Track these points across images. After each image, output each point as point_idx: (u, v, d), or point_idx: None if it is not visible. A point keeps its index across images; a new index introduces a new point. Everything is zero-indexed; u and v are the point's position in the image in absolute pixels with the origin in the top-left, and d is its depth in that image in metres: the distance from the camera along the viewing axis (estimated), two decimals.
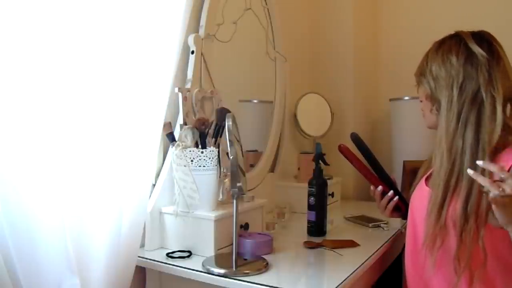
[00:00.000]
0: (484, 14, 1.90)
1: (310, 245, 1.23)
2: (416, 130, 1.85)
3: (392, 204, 1.24)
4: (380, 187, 1.26)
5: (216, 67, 1.38)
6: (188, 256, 1.12)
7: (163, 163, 1.23)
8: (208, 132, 1.21)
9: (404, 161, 1.84)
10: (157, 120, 1.03)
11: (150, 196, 1.14)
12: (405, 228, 1.19)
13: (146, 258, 1.11)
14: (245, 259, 1.09)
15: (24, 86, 0.78)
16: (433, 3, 2.08)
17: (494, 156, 0.94)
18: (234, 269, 1.02)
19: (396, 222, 1.44)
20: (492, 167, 0.78)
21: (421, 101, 1.14)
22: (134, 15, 0.93)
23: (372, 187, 1.27)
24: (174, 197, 1.15)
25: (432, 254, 0.97)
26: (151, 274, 1.15)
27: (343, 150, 1.31)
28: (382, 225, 1.44)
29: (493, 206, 0.80)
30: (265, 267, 1.04)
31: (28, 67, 0.78)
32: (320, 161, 1.40)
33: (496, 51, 1.00)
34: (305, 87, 2.04)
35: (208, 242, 1.12)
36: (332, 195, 1.74)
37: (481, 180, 0.78)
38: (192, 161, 1.14)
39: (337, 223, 1.52)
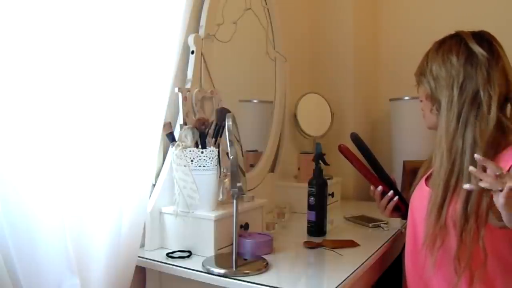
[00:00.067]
0: (484, 14, 1.90)
1: (310, 245, 1.23)
2: (416, 130, 1.85)
3: (392, 204, 1.24)
4: (380, 187, 1.26)
5: (216, 67, 1.38)
6: (188, 256, 1.12)
7: (163, 163, 1.22)
8: (208, 132, 1.21)
9: (404, 161, 1.84)
10: (157, 120, 1.03)
11: (150, 196, 1.14)
12: (405, 228, 1.19)
13: (146, 258, 1.11)
14: (245, 259, 1.09)
15: (24, 87, 0.78)
16: (433, 3, 2.08)
17: (494, 156, 0.94)
18: (234, 269, 1.02)
19: (396, 222, 1.44)
20: (489, 164, 0.77)
21: (421, 101, 1.14)
22: (134, 15, 0.93)
23: (372, 187, 1.27)
24: (174, 197, 1.15)
25: (432, 254, 0.97)
26: (151, 274, 1.15)
27: (343, 150, 1.31)
28: (382, 225, 1.44)
29: (502, 202, 0.78)
30: (265, 267, 1.04)
31: (29, 67, 0.78)
32: (320, 161, 1.40)
33: (496, 51, 1.00)
34: (305, 87, 2.04)
35: (208, 242, 1.12)
36: (332, 195, 1.74)
37: (484, 176, 0.76)
38: (192, 161, 1.14)
39: (337, 223, 1.52)
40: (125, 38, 0.91)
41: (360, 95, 2.13)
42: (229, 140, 1.03)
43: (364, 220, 1.51)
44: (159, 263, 1.09)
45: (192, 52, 1.30)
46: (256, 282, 0.96)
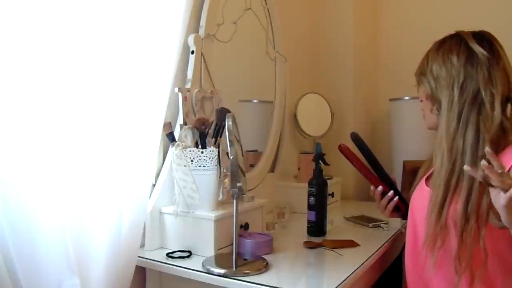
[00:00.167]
0: (484, 14, 1.90)
1: (310, 245, 1.23)
2: (416, 130, 1.85)
3: (392, 204, 1.24)
4: (380, 187, 1.26)
5: (216, 67, 1.38)
6: (188, 256, 1.12)
7: (163, 163, 1.22)
8: (208, 132, 1.21)
9: (404, 161, 1.84)
10: (157, 120, 1.03)
11: (150, 196, 1.14)
12: (405, 228, 1.19)
13: (146, 258, 1.11)
14: (245, 259, 1.09)
15: (24, 87, 0.78)
16: (433, 3, 2.08)
17: (495, 154, 0.93)
18: (234, 269, 1.02)
19: (396, 222, 1.44)
20: (494, 161, 0.77)
21: (421, 101, 1.14)
22: (134, 15, 0.93)
23: (372, 187, 1.27)
24: (174, 197, 1.15)
25: (432, 254, 0.97)
26: (151, 274, 1.15)
27: (343, 149, 1.31)
28: (382, 225, 1.44)
29: (502, 203, 0.77)
30: (265, 267, 1.04)
31: (29, 67, 0.78)
32: (320, 161, 1.40)
33: (496, 51, 1.00)
34: (305, 87, 2.04)
35: (208, 242, 1.12)
36: (332, 195, 1.74)
37: (489, 171, 0.75)
38: (192, 161, 1.14)
39: (337, 223, 1.52)
40: (125, 38, 0.91)
41: (360, 95, 2.13)
42: (229, 140, 1.03)
43: (364, 220, 1.51)
44: (159, 263, 1.09)
45: (192, 52, 1.30)
46: (256, 282, 0.96)
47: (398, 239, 1.36)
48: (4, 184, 0.78)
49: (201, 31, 1.33)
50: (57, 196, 0.83)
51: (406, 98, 1.92)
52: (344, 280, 0.97)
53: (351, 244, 1.25)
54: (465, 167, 0.80)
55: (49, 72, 0.80)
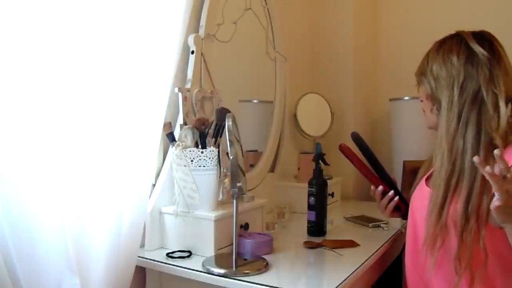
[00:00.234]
0: (484, 14, 1.90)
1: (310, 245, 1.23)
2: (416, 130, 1.85)
3: (392, 204, 1.24)
4: (380, 187, 1.26)
5: (216, 67, 1.38)
6: (188, 256, 1.12)
7: (163, 163, 1.22)
8: (208, 132, 1.21)
9: (404, 161, 1.84)
10: (157, 120, 1.03)
11: (150, 196, 1.14)
12: (405, 228, 1.19)
13: (146, 258, 1.11)
14: (245, 259, 1.09)
15: (24, 87, 0.78)
16: (433, 3, 2.08)
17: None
18: (234, 269, 1.02)
19: (396, 222, 1.44)
20: (501, 163, 0.76)
21: (421, 100, 1.14)
22: (134, 15, 0.93)
23: (372, 187, 1.27)
24: (174, 197, 1.15)
25: (432, 254, 0.97)
26: (151, 274, 1.15)
27: (343, 149, 1.31)
28: (382, 225, 1.44)
29: (496, 204, 0.78)
30: (265, 267, 1.04)
31: (29, 67, 0.78)
32: (320, 161, 1.40)
33: (497, 51, 1.00)
34: (305, 87, 2.04)
35: (208, 242, 1.12)
36: (332, 195, 1.74)
37: (489, 176, 0.75)
38: (192, 161, 1.14)
39: (337, 223, 1.52)
40: (125, 38, 0.91)
41: (360, 95, 2.13)
42: (229, 140, 1.03)
43: (364, 220, 1.51)
44: (159, 263, 1.09)
45: (192, 52, 1.30)
46: (256, 282, 0.96)
47: (398, 239, 1.36)
48: (4, 184, 0.78)
49: (201, 31, 1.33)
50: (57, 196, 0.83)
51: (406, 98, 1.92)
52: (344, 280, 0.97)
53: (351, 244, 1.25)
54: (475, 158, 0.78)
55: (49, 72, 0.80)
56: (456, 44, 1.02)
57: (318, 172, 1.39)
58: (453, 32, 1.07)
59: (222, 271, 1.00)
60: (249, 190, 1.41)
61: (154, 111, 1.01)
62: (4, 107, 0.76)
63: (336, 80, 2.10)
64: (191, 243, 1.14)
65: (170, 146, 1.17)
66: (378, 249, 1.20)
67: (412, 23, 2.12)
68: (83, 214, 0.88)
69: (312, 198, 1.37)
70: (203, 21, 1.34)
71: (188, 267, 1.05)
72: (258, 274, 1.00)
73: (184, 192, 1.13)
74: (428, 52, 1.09)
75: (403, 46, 2.13)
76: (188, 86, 1.29)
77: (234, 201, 1.05)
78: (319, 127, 1.96)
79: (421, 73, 1.09)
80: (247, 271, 1.01)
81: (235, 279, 0.98)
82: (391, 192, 1.25)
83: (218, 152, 1.19)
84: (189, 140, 1.17)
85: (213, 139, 1.21)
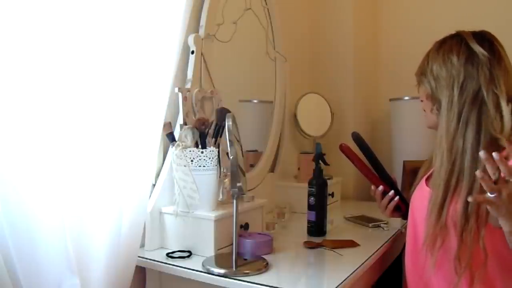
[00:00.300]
0: (484, 14, 1.90)
1: (310, 245, 1.23)
2: (416, 130, 1.85)
3: (392, 204, 1.24)
4: (381, 187, 1.26)
5: (216, 67, 1.38)
6: (188, 256, 1.12)
7: (163, 163, 1.22)
8: (208, 132, 1.21)
9: (404, 161, 1.84)
10: (157, 120, 1.03)
11: (150, 196, 1.14)
12: (405, 228, 1.19)
13: (146, 258, 1.11)
14: (245, 259, 1.09)
15: (24, 87, 0.78)
16: (433, 3, 2.08)
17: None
18: (234, 269, 1.02)
19: (396, 222, 1.44)
20: (504, 167, 0.76)
21: (421, 100, 1.14)
22: (134, 15, 0.93)
23: (373, 187, 1.27)
24: (174, 197, 1.15)
25: (432, 254, 0.97)
26: (151, 274, 1.15)
27: (344, 149, 1.31)
28: (382, 225, 1.44)
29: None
30: (265, 267, 1.04)
31: (29, 67, 0.78)
32: (320, 161, 1.40)
33: (497, 51, 1.00)
34: (305, 87, 2.04)
35: (208, 242, 1.12)
36: (332, 195, 1.74)
37: (483, 181, 0.77)
38: (192, 161, 1.14)
39: (337, 223, 1.52)
40: (125, 38, 0.91)
41: (360, 95, 2.13)
42: (229, 140, 1.03)
43: (364, 220, 1.51)
44: (159, 263, 1.09)
45: (192, 52, 1.30)
46: (256, 282, 0.96)
47: (398, 239, 1.36)
48: (4, 184, 0.78)
49: (201, 31, 1.33)
50: (57, 196, 0.83)
51: (406, 98, 1.92)
52: (344, 280, 0.97)
53: (351, 244, 1.25)
54: (481, 153, 0.78)
55: (49, 72, 0.80)
56: (456, 44, 1.02)
57: (318, 172, 1.39)
58: (453, 32, 1.07)
59: (222, 271, 1.00)
60: (249, 190, 1.41)
61: (154, 111, 1.01)
62: (4, 107, 0.76)
63: (336, 80, 2.10)
64: (191, 243, 1.14)
65: (170, 146, 1.17)
66: (378, 249, 1.20)
67: (412, 23, 2.12)
68: (83, 214, 0.88)
69: (312, 198, 1.37)
70: (203, 21, 1.34)
71: (188, 267, 1.05)
72: (258, 274, 1.00)
73: (184, 192, 1.13)
74: (428, 52, 1.09)
75: (403, 46, 2.13)
76: (188, 86, 1.29)
77: (234, 201, 1.05)
78: (319, 127, 1.96)
79: (421, 73, 1.09)
80: (247, 271, 1.01)
81: (235, 279, 0.98)
82: (391, 192, 1.25)
83: (218, 152, 1.19)
84: (189, 140, 1.17)
85: (213, 139, 1.21)
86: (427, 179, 1.11)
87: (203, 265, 1.04)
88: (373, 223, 1.46)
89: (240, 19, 1.51)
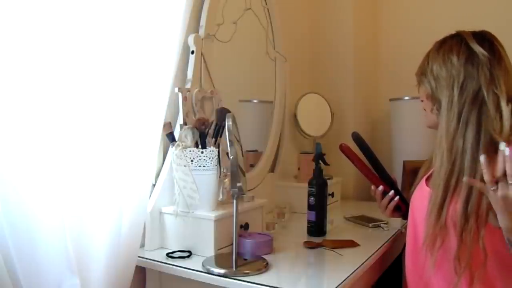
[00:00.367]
0: (484, 14, 1.91)
1: (310, 245, 1.23)
2: (416, 130, 1.85)
3: (393, 204, 1.24)
4: (381, 187, 1.26)
5: (216, 67, 1.38)
6: (188, 256, 1.12)
7: (163, 163, 1.22)
8: (208, 132, 1.21)
9: (404, 161, 1.84)
10: (157, 120, 1.03)
11: (150, 196, 1.14)
12: (405, 228, 1.19)
13: (146, 258, 1.11)
14: (245, 259, 1.09)
15: (24, 87, 0.78)
16: (433, 3, 2.08)
17: (494, 153, 0.93)
18: (234, 269, 1.02)
19: (396, 222, 1.44)
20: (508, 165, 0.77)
21: (421, 100, 1.14)
22: (134, 15, 0.93)
23: (373, 187, 1.27)
24: (174, 197, 1.15)
25: (432, 254, 0.97)
26: (151, 274, 1.15)
27: (344, 149, 1.31)
28: (382, 225, 1.44)
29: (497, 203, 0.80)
30: (265, 267, 1.04)
31: (29, 67, 0.78)
32: (320, 161, 1.40)
33: (497, 51, 1.00)
34: (305, 87, 2.04)
35: (208, 242, 1.12)
36: (332, 195, 1.74)
37: (481, 186, 0.78)
38: (192, 161, 1.14)
39: (337, 223, 1.52)
40: (125, 38, 0.91)
41: (360, 95, 2.13)
42: (229, 140, 1.03)
43: (364, 220, 1.51)
44: (159, 263, 1.09)
45: (192, 52, 1.30)
46: (256, 282, 0.96)
47: (398, 239, 1.36)
48: (4, 184, 0.78)
49: (201, 31, 1.33)
50: (57, 196, 0.83)
51: (406, 98, 1.92)
52: (344, 280, 0.97)
53: (351, 244, 1.25)
54: (481, 157, 0.80)
55: (49, 72, 0.80)
56: (456, 44, 1.02)
57: (318, 172, 1.39)
58: (453, 32, 1.07)
59: (222, 271, 1.00)
60: (249, 190, 1.41)
61: (154, 111, 1.01)
62: (4, 107, 0.76)
63: (336, 80, 2.10)
64: (191, 243, 1.14)
65: (170, 146, 1.17)
66: (378, 249, 1.20)
67: (412, 23, 2.12)
68: (83, 214, 0.88)
69: (312, 198, 1.37)
70: (203, 21, 1.34)
71: (188, 267, 1.05)
72: (258, 274, 1.00)
73: (184, 192, 1.13)
74: (429, 52, 1.09)
75: (403, 46, 2.13)
76: (188, 86, 1.29)
77: (234, 201, 1.05)
78: (319, 127, 1.96)
79: (422, 73, 1.09)
80: (247, 271, 1.01)
81: (235, 279, 0.98)
82: (392, 192, 1.25)
83: (218, 152, 1.19)
84: (189, 140, 1.17)
85: (213, 139, 1.21)
86: (427, 179, 1.11)
87: (203, 265, 1.04)
88: (373, 223, 1.46)
89: (240, 19, 1.52)
